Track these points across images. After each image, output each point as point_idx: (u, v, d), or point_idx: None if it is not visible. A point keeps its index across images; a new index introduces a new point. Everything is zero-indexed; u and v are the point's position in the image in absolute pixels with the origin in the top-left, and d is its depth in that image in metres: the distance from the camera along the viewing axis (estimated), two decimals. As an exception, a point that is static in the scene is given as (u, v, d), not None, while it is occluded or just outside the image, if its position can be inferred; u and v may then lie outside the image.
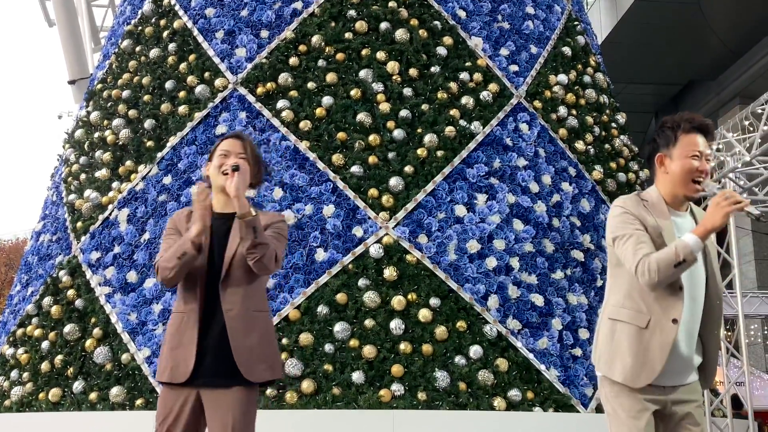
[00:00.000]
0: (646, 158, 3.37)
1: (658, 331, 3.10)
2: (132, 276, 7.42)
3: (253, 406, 3.48)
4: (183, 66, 8.38)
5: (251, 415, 3.46)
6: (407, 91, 7.96)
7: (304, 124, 7.72)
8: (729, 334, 11.18)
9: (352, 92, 7.84)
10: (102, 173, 8.24)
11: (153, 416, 6.82)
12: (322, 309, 6.90)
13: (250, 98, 7.96)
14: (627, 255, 3.14)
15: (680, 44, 20.74)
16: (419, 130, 7.79)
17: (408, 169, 7.55)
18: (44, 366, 7.37)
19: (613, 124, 9.38)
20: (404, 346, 6.79)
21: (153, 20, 8.98)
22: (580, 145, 8.66)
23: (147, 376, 6.87)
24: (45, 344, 7.51)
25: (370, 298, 6.93)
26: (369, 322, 6.84)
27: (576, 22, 9.74)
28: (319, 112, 7.77)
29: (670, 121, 3.30)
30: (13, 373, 7.61)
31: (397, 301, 6.93)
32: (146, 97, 8.44)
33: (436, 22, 8.39)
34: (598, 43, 11.10)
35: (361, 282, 7.03)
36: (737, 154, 8.47)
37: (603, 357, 3.24)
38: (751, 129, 8.50)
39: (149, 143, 8.13)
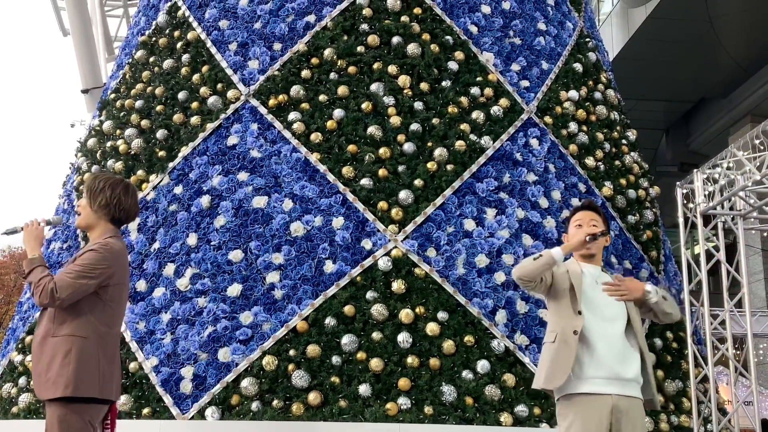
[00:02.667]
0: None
1: (563, 341, 4.00)
2: (141, 285, 7.45)
3: (51, 420, 3.93)
4: (196, 77, 8.44)
5: (51, 427, 3.92)
6: (418, 105, 7.98)
7: (315, 136, 7.75)
8: (738, 353, 11.13)
9: (364, 105, 7.88)
10: (113, 182, 8.26)
11: (160, 425, 6.85)
12: (329, 321, 6.91)
13: (262, 110, 8.01)
14: None
15: (692, 61, 20.74)
16: (429, 144, 7.81)
17: (418, 182, 7.57)
18: (52, 373, 7.39)
19: (624, 141, 9.38)
20: (411, 360, 6.79)
21: (167, 31, 9.05)
22: (590, 161, 8.66)
23: (155, 385, 6.88)
24: (54, 351, 7.52)
25: (378, 310, 6.94)
26: (376, 335, 6.85)
27: (588, 39, 9.76)
28: (330, 124, 7.81)
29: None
30: (21, 380, 7.64)
31: (405, 315, 6.94)
32: (159, 108, 8.49)
33: (448, 37, 8.43)
34: (610, 60, 11.12)
35: (369, 294, 7.04)
36: (747, 172, 8.45)
37: (536, 375, 4.18)
38: (762, 148, 8.49)
39: (161, 153, 8.17)
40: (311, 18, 8.40)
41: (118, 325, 4.24)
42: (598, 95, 9.31)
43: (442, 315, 7.02)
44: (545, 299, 4.27)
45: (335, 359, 6.76)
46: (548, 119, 8.54)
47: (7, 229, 4.41)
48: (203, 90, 8.30)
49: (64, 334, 3.98)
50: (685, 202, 9.12)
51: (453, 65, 8.30)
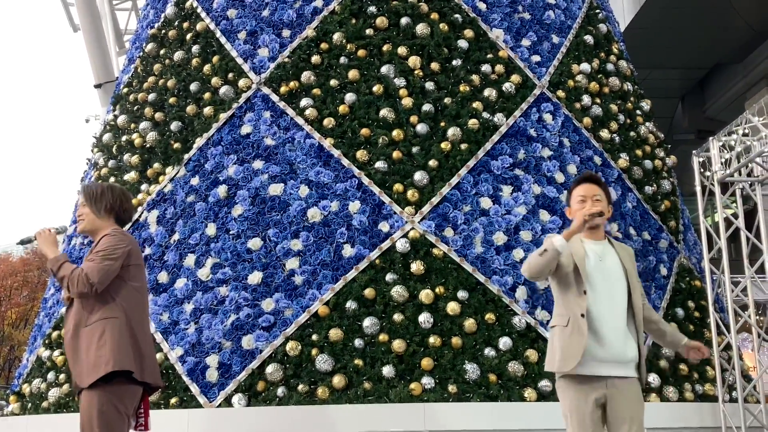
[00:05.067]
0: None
1: (576, 326, 4.10)
2: (163, 276, 7.53)
3: (88, 408, 4.14)
4: (207, 67, 8.46)
5: (88, 415, 4.13)
6: (429, 86, 7.97)
7: (328, 122, 7.77)
8: (761, 319, 11.08)
9: (375, 88, 7.88)
10: (131, 176, 8.35)
11: (188, 414, 6.93)
12: (350, 304, 6.96)
13: (274, 97, 8.03)
14: None
15: (705, 27, 20.51)
16: (442, 124, 7.81)
17: (432, 163, 7.57)
18: (80, 367, 7.49)
19: (638, 112, 9.32)
20: (433, 340, 6.83)
21: (176, 23, 9.07)
22: (605, 133, 8.62)
23: (181, 375, 6.97)
24: (80, 346, 7.63)
25: (398, 292, 6.98)
26: (398, 317, 6.89)
27: (597, 10, 9.69)
28: (342, 109, 7.82)
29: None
30: (50, 375, 7.76)
31: (425, 295, 6.97)
32: (172, 100, 8.53)
33: (457, 16, 8.39)
34: (621, 30, 11.03)
35: (389, 277, 7.07)
36: (764, 138, 8.38)
37: (547, 357, 4.30)
38: (779, 112, 8.40)
39: (176, 145, 8.22)
40: (318, 3, 8.39)
41: (144, 308, 4.46)
42: (610, 67, 9.25)
43: (462, 294, 7.04)
44: (549, 280, 4.35)
45: (358, 342, 6.81)
46: (561, 93, 8.50)
47: (21, 239, 4.68)
48: (215, 80, 8.33)
49: (95, 320, 4.22)
50: (702, 170, 9.06)
51: (463, 44, 8.27)
